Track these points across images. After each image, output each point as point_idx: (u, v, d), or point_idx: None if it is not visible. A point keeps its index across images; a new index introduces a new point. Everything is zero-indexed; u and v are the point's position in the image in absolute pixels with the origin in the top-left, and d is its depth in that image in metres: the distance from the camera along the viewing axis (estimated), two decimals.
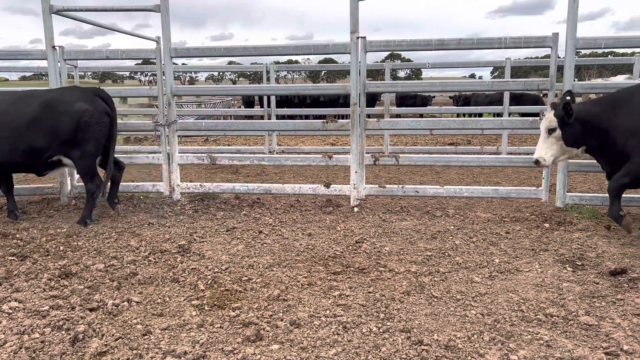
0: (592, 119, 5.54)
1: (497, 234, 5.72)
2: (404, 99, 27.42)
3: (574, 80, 6.34)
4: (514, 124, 8.45)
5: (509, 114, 11.55)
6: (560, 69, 6.49)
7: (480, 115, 20.15)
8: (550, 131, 5.63)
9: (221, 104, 19.91)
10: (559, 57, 6.46)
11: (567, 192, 6.64)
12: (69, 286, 4.30)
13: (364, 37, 6.47)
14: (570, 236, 5.58)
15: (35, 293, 4.18)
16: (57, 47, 6.83)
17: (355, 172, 6.80)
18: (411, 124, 7.11)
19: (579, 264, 4.77)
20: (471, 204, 7.16)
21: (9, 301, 3.98)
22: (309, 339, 3.37)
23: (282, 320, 3.62)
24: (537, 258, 4.95)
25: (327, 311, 3.77)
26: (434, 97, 27.71)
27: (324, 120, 6.79)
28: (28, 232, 6.00)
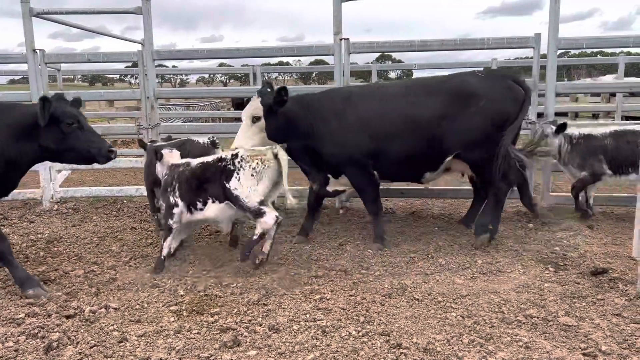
0: (294, 116, 5.17)
1: None
2: None
3: (562, 80, 6.36)
4: None
5: None
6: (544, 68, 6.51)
7: None
8: (255, 119, 5.11)
9: (209, 106, 19.83)
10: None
11: (551, 192, 6.65)
12: (48, 292, 4.23)
13: (347, 39, 6.44)
14: (553, 236, 5.58)
15: (11, 300, 4.12)
16: (37, 51, 6.75)
17: None
18: None
19: (561, 264, 4.77)
20: (457, 205, 7.15)
21: None
22: (287, 344, 3.33)
23: (260, 325, 3.58)
24: (519, 259, 4.95)
25: (307, 315, 3.74)
26: None
27: None
28: (9, 237, 5.91)
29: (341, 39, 6.43)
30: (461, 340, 3.35)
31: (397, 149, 5.16)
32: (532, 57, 6.51)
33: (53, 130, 4.13)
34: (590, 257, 4.90)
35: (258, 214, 4.55)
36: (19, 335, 3.49)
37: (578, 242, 5.36)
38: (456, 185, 7.12)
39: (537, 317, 3.66)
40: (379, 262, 4.89)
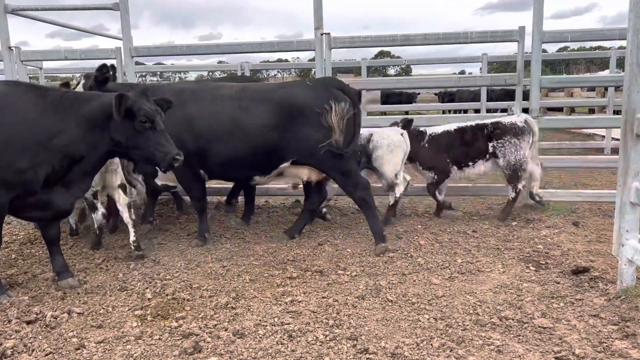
0: None
1: (463, 233, 5.59)
2: (389, 97, 27.32)
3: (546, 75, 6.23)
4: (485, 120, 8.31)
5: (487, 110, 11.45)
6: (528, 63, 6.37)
7: (466, 111, 20.08)
8: None
9: None
10: (545, 52, 6.31)
11: (540, 188, 6.52)
12: (11, 297, 4.11)
13: (329, 34, 6.31)
14: (537, 234, 5.46)
15: None
16: (13, 48, 6.62)
17: None
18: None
19: (543, 263, 4.65)
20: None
21: None
22: (251, 350, 3.21)
23: (225, 330, 3.46)
24: (500, 257, 4.83)
25: (275, 319, 3.61)
26: (418, 94, 27.59)
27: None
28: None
29: (322, 34, 6.29)
30: (431, 344, 3.23)
31: (223, 150, 5.07)
32: (530, 52, 6.32)
33: (125, 125, 4.03)
34: (573, 256, 4.78)
35: None
36: None
37: (562, 240, 5.24)
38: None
39: (512, 319, 3.54)
40: (357, 262, 4.76)
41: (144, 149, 4.13)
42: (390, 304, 3.86)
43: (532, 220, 5.91)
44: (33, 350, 3.25)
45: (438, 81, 6.75)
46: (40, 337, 3.44)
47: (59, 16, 8.19)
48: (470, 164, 6.04)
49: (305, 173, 5.33)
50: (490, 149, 5.90)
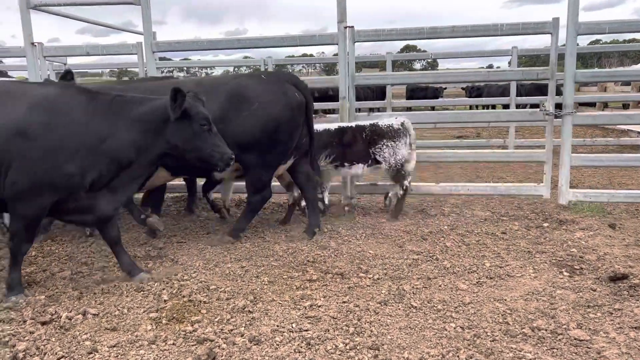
0: None
1: (492, 235, 5.36)
2: (414, 92, 26.90)
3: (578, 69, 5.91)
4: (512, 116, 8.02)
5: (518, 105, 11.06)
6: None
7: (494, 106, 19.62)
8: None
9: None
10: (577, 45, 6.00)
11: (571, 188, 6.23)
12: (29, 296, 4.06)
13: (352, 27, 6.12)
14: (570, 236, 5.19)
15: None
16: (35, 44, 6.60)
17: None
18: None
19: (577, 268, 4.39)
20: (470, 202, 6.79)
21: None
22: (267, 358, 3.07)
23: (242, 336, 3.33)
24: (532, 261, 4.59)
25: (294, 324, 3.46)
26: (445, 88, 27.10)
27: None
28: (4, 236, 5.79)
29: (345, 27, 6.11)
30: (457, 356, 3.04)
31: None
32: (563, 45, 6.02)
33: (183, 127, 4.01)
34: (610, 261, 4.51)
35: None
36: None
37: (597, 243, 4.96)
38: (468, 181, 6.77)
39: (546, 330, 3.32)
40: (379, 265, 4.58)
41: (201, 151, 4.11)
42: (414, 310, 3.68)
43: (565, 222, 5.64)
44: (45, 354, 3.17)
45: (465, 75, 6.48)
46: (53, 339, 3.36)
47: (85, 12, 8.21)
48: (347, 164, 5.98)
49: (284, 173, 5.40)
50: (371, 154, 5.91)
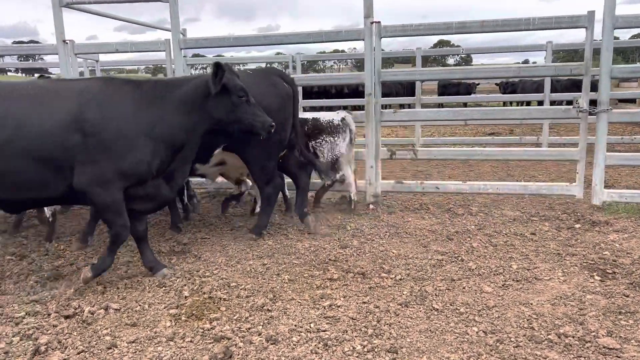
0: None
1: (521, 235, 5.20)
2: (446, 88, 26.45)
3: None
4: (544, 113, 7.76)
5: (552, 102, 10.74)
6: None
7: (529, 103, 19.11)
8: None
9: None
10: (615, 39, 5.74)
11: (606, 188, 6.00)
12: (54, 289, 4.14)
13: (379, 22, 6.02)
14: (604, 239, 4.99)
15: (18, 297, 4.04)
16: (67, 42, 6.73)
17: (371, 166, 6.39)
18: (429, 114, 6.62)
19: (610, 272, 4.22)
20: (499, 201, 6.62)
21: None
22: (283, 358, 3.04)
23: (259, 335, 3.30)
24: (561, 264, 4.43)
25: (312, 324, 3.42)
26: (478, 84, 26.54)
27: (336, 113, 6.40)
28: (36, 229, 5.94)
29: (372, 23, 6.01)
30: None
31: None
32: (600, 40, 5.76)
33: (224, 101, 4.19)
34: None
35: None
36: (13, 336, 3.38)
37: (632, 246, 4.75)
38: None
39: (573, 337, 3.19)
40: (402, 265, 4.50)
41: (242, 121, 4.29)
42: (435, 313, 3.59)
43: (599, 223, 5.43)
44: (66, 348, 3.22)
45: (496, 71, 6.30)
46: (75, 333, 3.41)
47: (120, 10, 8.34)
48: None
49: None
50: (311, 149, 5.85)
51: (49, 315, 3.68)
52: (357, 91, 20.13)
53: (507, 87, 24.20)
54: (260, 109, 4.40)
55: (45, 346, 3.22)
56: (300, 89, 12.20)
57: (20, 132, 3.79)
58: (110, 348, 3.20)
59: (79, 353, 3.15)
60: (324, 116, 6.02)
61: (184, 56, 9.51)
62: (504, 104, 21.94)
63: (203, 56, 19.36)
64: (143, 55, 12.31)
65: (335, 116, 5.99)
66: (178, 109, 4.15)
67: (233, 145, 5.09)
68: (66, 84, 4.33)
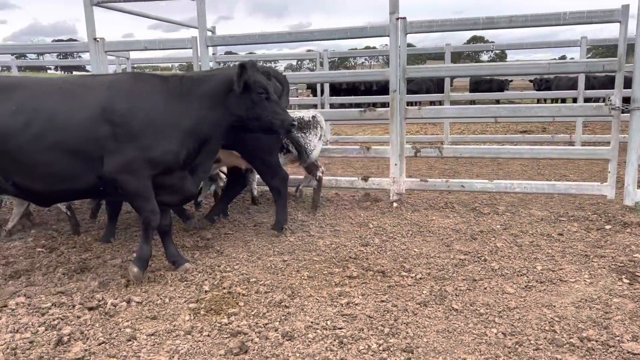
0: None
1: (547, 236, 5.08)
2: (478, 84, 26.03)
3: None
4: (575, 110, 7.53)
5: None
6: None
7: (564, 100, 18.63)
8: None
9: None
10: None
11: (639, 188, 5.80)
12: (80, 281, 4.25)
13: (404, 18, 5.96)
14: (635, 240, 4.83)
15: (46, 288, 4.16)
16: (98, 39, 6.88)
17: (395, 164, 6.34)
18: (455, 111, 6.51)
19: (639, 274, 4.07)
20: (527, 200, 6.48)
21: (18, 296, 3.96)
22: (297, 355, 3.05)
23: (275, 331, 3.32)
24: (588, 266, 4.30)
25: (328, 322, 3.42)
26: (511, 81, 26.04)
27: (361, 109, 6.38)
28: (67, 222, 6.09)
29: (397, 19, 5.96)
30: None
31: None
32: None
33: (244, 98, 4.24)
34: None
35: None
36: (39, 326, 3.47)
37: None
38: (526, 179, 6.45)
39: (596, 341, 3.10)
40: (424, 264, 4.45)
41: (262, 119, 4.31)
42: (454, 313, 3.54)
43: (630, 225, 5.25)
44: (88, 339, 3.30)
45: (525, 67, 6.14)
46: (97, 324, 3.49)
47: (154, 9, 8.48)
48: None
49: (241, 162, 5.50)
50: (284, 144, 5.76)
51: (74, 306, 3.77)
52: (386, 88, 19.91)
53: (542, 83, 23.66)
54: (281, 107, 4.41)
55: (68, 336, 3.30)
56: (326, 86, 12.28)
57: (52, 124, 3.93)
58: (129, 340, 3.26)
59: (99, 344, 3.23)
60: (295, 114, 6.06)
61: (212, 54, 9.62)
62: (538, 101, 21.46)
63: (235, 53, 19.58)
64: (175, 52, 12.45)
65: (306, 114, 6.02)
66: (202, 103, 4.23)
67: (233, 143, 5.09)
68: (96, 79, 4.48)
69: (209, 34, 7.59)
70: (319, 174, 6.14)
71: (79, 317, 3.61)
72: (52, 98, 4.06)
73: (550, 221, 5.57)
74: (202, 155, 4.36)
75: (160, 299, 3.88)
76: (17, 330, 3.43)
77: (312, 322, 3.42)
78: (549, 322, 3.35)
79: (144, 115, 4.05)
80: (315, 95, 13.38)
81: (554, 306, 3.58)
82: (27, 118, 3.92)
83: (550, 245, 4.82)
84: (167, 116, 4.12)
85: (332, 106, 12.83)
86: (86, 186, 4.18)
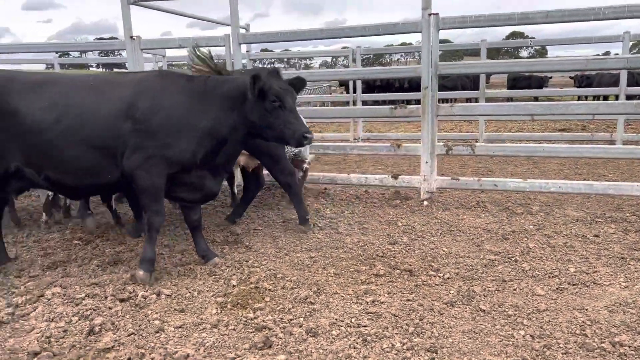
0: None
1: (582, 237, 4.94)
2: (516, 81, 25.43)
3: None
4: (614, 108, 7.26)
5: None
6: None
7: (606, 97, 18.04)
8: None
9: (316, 91, 19.92)
10: None
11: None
12: (113, 274, 4.37)
13: (437, 14, 5.88)
14: None
15: (81, 279, 4.29)
16: (134, 37, 7.05)
17: (426, 162, 6.27)
18: (489, 109, 6.39)
19: None
20: (562, 200, 6.32)
21: (54, 286, 4.10)
22: (321, 351, 3.06)
23: (299, 327, 3.34)
24: (624, 269, 4.16)
25: (353, 319, 3.42)
26: (550, 77, 25.34)
27: (392, 107, 6.33)
28: (103, 215, 6.27)
29: (430, 14, 5.88)
30: None
31: None
32: None
33: (258, 105, 4.17)
34: None
35: None
36: (72, 316, 3.59)
37: None
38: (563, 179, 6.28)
39: (629, 346, 3.00)
40: (452, 264, 4.40)
41: (274, 128, 4.22)
42: (482, 314, 3.48)
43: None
44: (118, 329, 3.39)
45: (562, 63, 5.96)
46: (127, 316, 3.58)
47: (191, 7, 8.66)
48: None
49: (242, 160, 5.47)
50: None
51: (106, 297, 3.88)
52: (420, 85, 19.66)
53: (582, 80, 22.94)
54: (296, 116, 4.31)
55: (100, 327, 3.40)
56: (359, 83, 12.23)
57: (81, 119, 4.05)
58: (157, 332, 3.34)
59: (129, 335, 3.31)
60: None
61: (247, 51, 9.71)
62: (579, 98, 20.81)
63: (270, 51, 19.74)
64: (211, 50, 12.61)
65: None
66: (222, 105, 4.21)
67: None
68: (125, 76, 4.56)
69: (242, 31, 7.68)
70: (305, 165, 6.08)
71: (110, 308, 3.71)
72: (82, 94, 4.17)
73: (586, 222, 5.41)
74: (221, 156, 4.34)
75: (189, 292, 3.95)
76: (52, 320, 3.55)
77: (336, 319, 3.42)
78: (580, 326, 3.26)
79: (164, 114, 4.08)
80: (347, 92, 13.33)
81: (586, 309, 3.48)
82: (58, 113, 4.06)
83: (585, 247, 4.68)
84: (187, 116, 4.13)
85: (365, 103, 12.79)
86: (114, 181, 4.26)
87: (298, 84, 4.44)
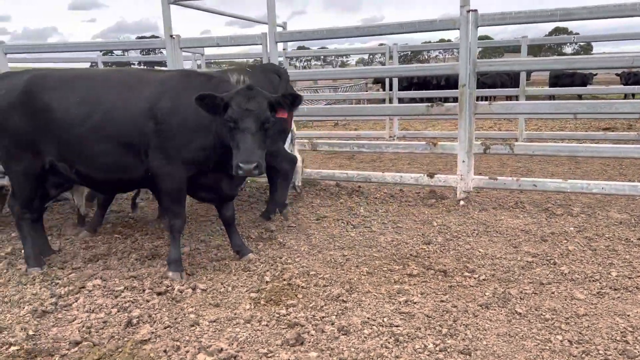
0: None
1: (626, 240, 4.77)
2: (559, 78, 24.69)
3: None
4: None
5: None
6: None
7: None
8: None
9: (352, 88, 19.86)
10: None
11: None
12: (151, 267, 4.48)
13: (475, 10, 5.77)
14: None
15: (120, 272, 4.41)
16: (173, 36, 7.18)
17: (463, 161, 6.17)
18: (528, 107, 6.23)
19: None
20: (605, 202, 6.11)
21: (95, 279, 4.24)
22: (352, 350, 3.06)
23: (331, 325, 3.35)
24: None
25: (385, 319, 3.40)
26: (595, 75, 24.48)
27: (429, 104, 6.26)
28: (142, 210, 6.44)
29: (468, 11, 5.78)
30: None
31: None
32: None
33: (222, 121, 3.91)
34: None
35: None
36: (112, 307, 3.71)
37: None
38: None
39: None
40: (488, 265, 4.32)
41: (223, 148, 4.03)
42: (517, 317, 3.41)
43: None
44: (155, 322, 3.48)
45: (606, 61, 5.73)
46: (164, 309, 3.67)
47: (230, 6, 8.78)
48: None
49: None
50: None
51: (144, 291, 3.99)
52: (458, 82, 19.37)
53: (629, 77, 22.09)
54: (253, 143, 3.77)
55: (137, 319, 3.50)
56: (395, 81, 12.13)
57: (108, 116, 4.15)
58: (192, 325, 3.41)
59: (165, 328, 3.40)
60: None
61: (283, 49, 9.78)
62: (625, 96, 20.06)
63: (307, 48, 19.87)
64: (248, 48, 12.77)
65: None
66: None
67: None
68: (152, 74, 4.61)
69: (279, 29, 7.72)
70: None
71: (148, 301, 3.81)
72: (111, 91, 4.26)
73: (630, 225, 5.22)
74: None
75: (224, 287, 4.02)
76: (93, 311, 3.68)
77: (368, 318, 3.42)
78: (621, 332, 3.15)
79: (182, 115, 4.09)
80: (384, 89, 13.24)
81: (628, 315, 3.37)
82: (89, 110, 4.16)
83: (628, 251, 4.52)
84: (203, 116, 3.99)
85: (401, 101, 12.68)
86: (139, 177, 4.33)
87: (291, 100, 4.13)
